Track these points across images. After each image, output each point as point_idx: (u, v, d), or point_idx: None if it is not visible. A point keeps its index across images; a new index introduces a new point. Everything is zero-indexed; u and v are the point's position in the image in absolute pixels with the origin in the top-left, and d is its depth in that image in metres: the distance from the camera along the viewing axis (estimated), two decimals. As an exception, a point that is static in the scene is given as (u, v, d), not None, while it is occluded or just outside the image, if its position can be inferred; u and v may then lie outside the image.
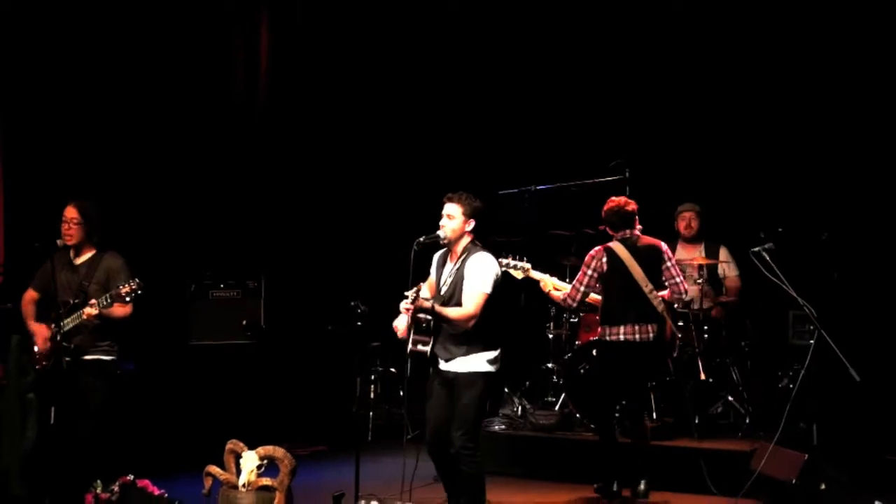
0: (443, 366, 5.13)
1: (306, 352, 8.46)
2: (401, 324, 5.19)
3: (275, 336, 7.95)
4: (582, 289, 5.88)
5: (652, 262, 5.87)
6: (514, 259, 5.96)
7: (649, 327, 5.82)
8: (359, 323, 7.14)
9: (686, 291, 6.02)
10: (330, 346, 8.20)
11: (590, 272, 5.86)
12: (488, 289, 5.03)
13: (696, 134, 8.18)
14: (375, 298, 7.17)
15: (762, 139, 7.99)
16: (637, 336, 5.79)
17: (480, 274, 5.03)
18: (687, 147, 8.17)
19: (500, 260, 5.54)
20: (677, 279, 5.95)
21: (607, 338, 5.86)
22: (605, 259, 5.82)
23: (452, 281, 5.13)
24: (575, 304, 5.98)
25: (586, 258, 5.90)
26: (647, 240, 5.96)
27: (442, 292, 5.18)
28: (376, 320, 7.18)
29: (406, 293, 5.00)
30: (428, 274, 5.39)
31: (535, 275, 6.03)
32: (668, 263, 5.93)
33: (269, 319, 7.89)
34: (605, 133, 8.28)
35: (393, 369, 8.10)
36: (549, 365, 7.62)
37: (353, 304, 7.12)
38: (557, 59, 8.60)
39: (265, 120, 8.80)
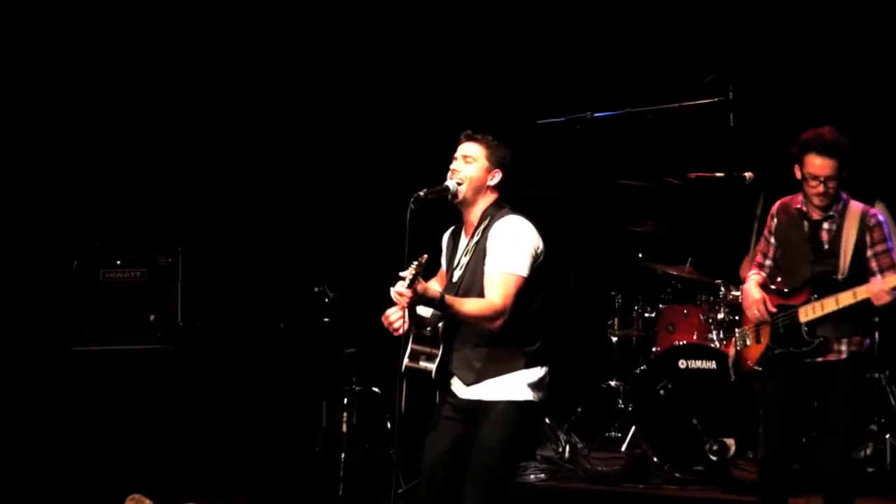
0: (460, 390, 5.06)
1: (246, 362, 8.44)
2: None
3: (198, 338, 7.94)
4: None
5: None
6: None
7: None
8: (326, 319, 7.12)
9: None
10: (282, 354, 8.24)
11: None
12: (523, 270, 4.91)
13: (833, 35, 8.14)
14: (351, 283, 7.12)
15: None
16: None
17: (509, 247, 4.92)
18: (819, 55, 8.15)
19: None
20: None
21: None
22: None
23: (470, 261, 5.04)
24: None
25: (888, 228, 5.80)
26: None
27: (454, 278, 5.09)
28: (353, 315, 7.16)
29: (401, 273, 4.82)
30: (434, 257, 5.26)
31: None
32: None
33: (189, 313, 7.88)
34: (697, 34, 8.32)
35: (376, 388, 8.04)
36: (612, 383, 7.75)
37: (317, 290, 7.13)
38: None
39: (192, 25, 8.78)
